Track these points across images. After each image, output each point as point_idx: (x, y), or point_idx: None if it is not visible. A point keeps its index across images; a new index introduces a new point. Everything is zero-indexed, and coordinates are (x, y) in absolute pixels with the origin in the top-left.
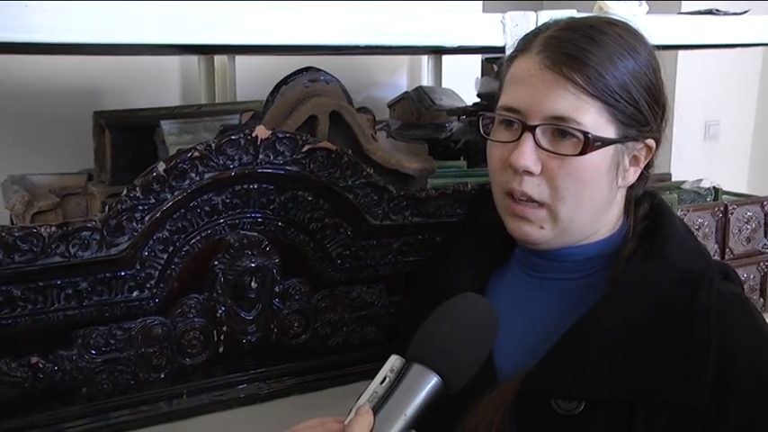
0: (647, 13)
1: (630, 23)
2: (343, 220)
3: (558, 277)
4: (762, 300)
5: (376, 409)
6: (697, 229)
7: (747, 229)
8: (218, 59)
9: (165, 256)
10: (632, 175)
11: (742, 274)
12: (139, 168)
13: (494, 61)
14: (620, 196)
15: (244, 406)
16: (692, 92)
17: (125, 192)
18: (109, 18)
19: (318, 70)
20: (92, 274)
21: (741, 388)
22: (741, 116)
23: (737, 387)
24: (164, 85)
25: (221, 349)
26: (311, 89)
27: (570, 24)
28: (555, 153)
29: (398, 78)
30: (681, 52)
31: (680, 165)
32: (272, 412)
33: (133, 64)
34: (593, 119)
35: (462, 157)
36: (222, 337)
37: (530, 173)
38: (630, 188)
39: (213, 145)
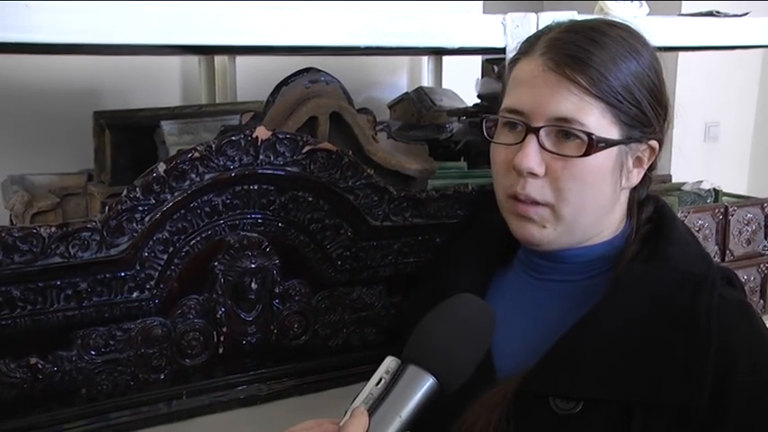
0: (648, 14)
1: (632, 25)
2: (344, 220)
3: (561, 279)
4: (762, 302)
5: (371, 411)
6: (697, 231)
7: (748, 230)
8: (219, 60)
9: (165, 257)
10: (636, 176)
11: (742, 275)
12: (139, 169)
13: (494, 62)
14: (624, 198)
15: (243, 407)
16: (693, 93)
17: (125, 192)
18: (109, 18)
19: (319, 71)
20: (91, 275)
21: (741, 390)
22: (741, 118)
23: (737, 389)
24: (164, 85)
25: (221, 350)
26: (312, 90)
27: (572, 26)
28: (559, 154)
29: (399, 79)
30: (681, 54)
31: (680, 166)
32: (272, 413)
33: (133, 64)
34: (597, 120)
35: (463, 158)
36: (222, 338)
37: (534, 175)
38: (634, 190)
39: (213, 146)
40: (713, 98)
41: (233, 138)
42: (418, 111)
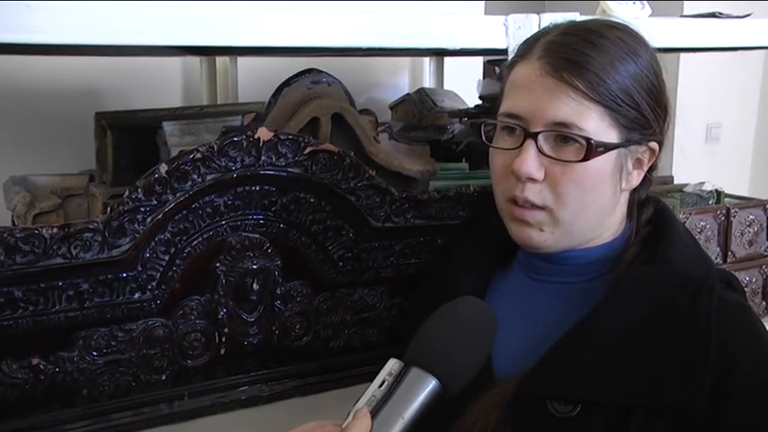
0: (650, 15)
1: (631, 26)
2: (345, 222)
3: (561, 281)
4: (764, 303)
5: (374, 413)
6: (699, 233)
7: (749, 232)
8: (220, 60)
9: (167, 258)
10: (636, 178)
11: (744, 277)
12: (141, 169)
13: (496, 63)
14: (624, 200)
15: (245, 408)
16: (694, 94)
17: (127, 193)
18: (110, 19)
19: (320, 72)
20: (93, 276)
21: (740, 393)
22: (743, 119)
23: (737, 392)
24: (165, 86)
25: (223, 351)
26: (313, 91)
27: (570, 29)
28: (558, 159)
29: (400, 80)
30: (683, 55)
31: (682, 167)
32: (274, 414)
33: (135, 65)
34: (596, 124)
35: (464, 160)
36: (224, 339)
37: (533, 180)
38: (634, 191)
39: (215, 146)
40: (715, 99)
41: (235, 139)
42: (420, 112)
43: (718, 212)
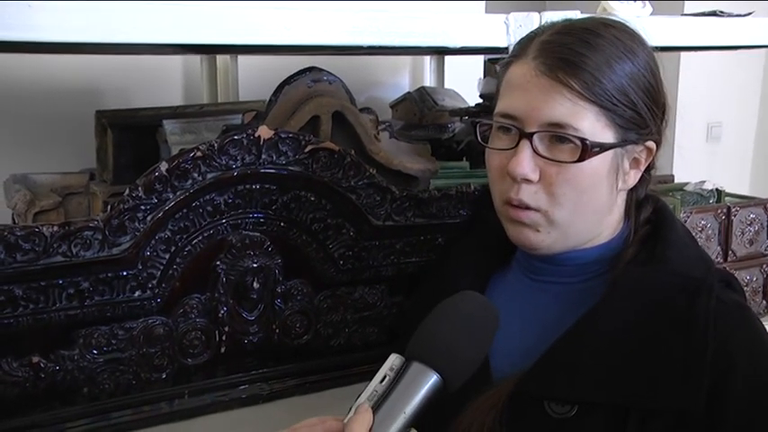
0: (651, 14)
1: (628, 24)
2: (346, 220)
3: (559, 281)
4: (765, 302)
5: (375, 408)
6: (700, 232)
7: (750, 231)
8: (221, 59)
9: (167, 256)
10: (633, 177)
11: (745, 276)
12: (141, 168)
13: (497, 62)
14: (621, 199)
15: (245, 406)
16: (695, 93)
17: (127, 191)
18: (111, 17)
19: (321, 70)
20: (93, 274)
21: (739, 394)
22: (743, 118)
23: (736, 393)
24: (166, 84)
25: (223, 349)
26: (314, 89)
27: (566, 28)
28: (553, 160)
29: (401, 79)
30: (683, 54)
31: (682, 167)
32: (274, 413)
33: (135, 63)
34: (591, 124)
35: (465, 158)
36: (224, 338)
37: (528, 180)
38: (632, 191)
39: (216, 145)
40: (715, 98)
41: (235, 137)
42: (420, 110)
43: (719, 211)
